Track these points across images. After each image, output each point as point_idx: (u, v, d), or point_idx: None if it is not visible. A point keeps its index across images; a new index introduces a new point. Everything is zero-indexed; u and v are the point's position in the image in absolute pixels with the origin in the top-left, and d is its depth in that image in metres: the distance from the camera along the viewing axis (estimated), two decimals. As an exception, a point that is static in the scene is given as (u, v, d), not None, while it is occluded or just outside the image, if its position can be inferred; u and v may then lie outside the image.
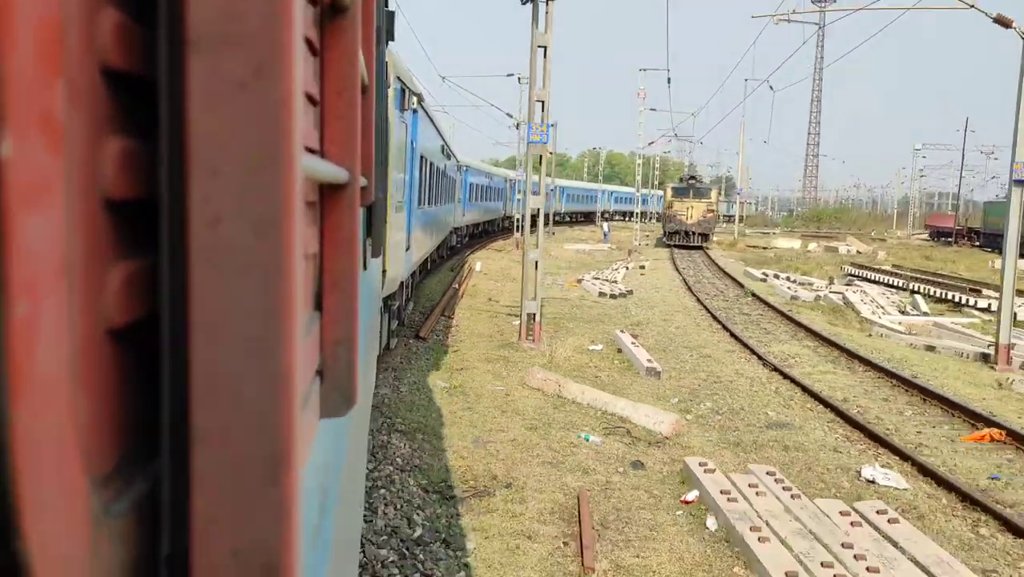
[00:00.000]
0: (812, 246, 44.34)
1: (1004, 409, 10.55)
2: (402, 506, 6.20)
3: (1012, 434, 9.13)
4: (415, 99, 11.88)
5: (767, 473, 7.07)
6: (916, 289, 24.52)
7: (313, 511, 1.10)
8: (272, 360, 0.60)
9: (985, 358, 14.06)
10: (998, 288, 25.43)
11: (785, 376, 11.87)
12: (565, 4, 19.07)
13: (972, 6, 13.40)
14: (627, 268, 28.87)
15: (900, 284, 26.28)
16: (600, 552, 5.63)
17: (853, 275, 29.79)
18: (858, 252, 42.17)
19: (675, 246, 40.16)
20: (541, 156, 13.29)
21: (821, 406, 10.25)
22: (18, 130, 0.44)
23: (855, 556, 5.44)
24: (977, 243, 50.95)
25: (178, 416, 0.60)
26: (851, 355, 13.61)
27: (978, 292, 22.90)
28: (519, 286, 13.77)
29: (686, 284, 24.30)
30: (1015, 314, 14.78)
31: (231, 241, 0.59)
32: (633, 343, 13.32)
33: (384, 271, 7.60)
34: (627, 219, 67.84)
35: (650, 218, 57.95)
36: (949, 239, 55.63)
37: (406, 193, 11.36)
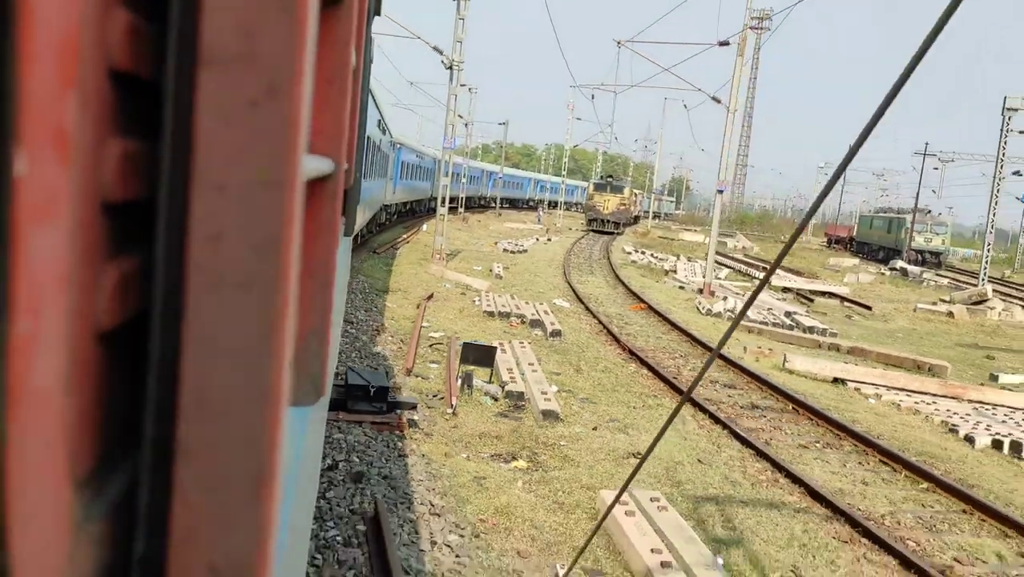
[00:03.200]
0: (707, 239, 55.95)
1: (674, 305, 21.78)
2: (366, 290, 17.29)
3: (649, 307, 20.39)
4: None
5: (511, 296, 18.26)
6: (738, 269, 36.02)
7: None
8: (263, 380, 0.62)
9: (701, 291, 25.40)
10: (789, 270, 37.01)
11: (571, 286, 23.07)
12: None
13: (701, 90, 24.65)
14: (538, 240, 40.02)
15: (729, 264, 37.80)
16: (431, 304, 16.75)
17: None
18: (742, 246, 53.81)
19: (593, 231, 51.46)
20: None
21: (572, 292, 21.50)
22: (32, 147, 0.45)
23: (519, 308, 16.60)
24: (851, 248, 62.86)
25: (163, 427, 0.61)
26: (621, 283, 24.90)
27: (767, 270, 34.54)
28: (450, 239, 24.85)
29: (569, 251, 35.55)
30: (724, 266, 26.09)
31: (231, 258, 0.61)
32: (500, 267, 24.42)
33: None
34: (570, 209, 79.19)
35: (573, 207, 69.52)
36: (837, 245, 67.64)
37: None
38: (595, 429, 9.50)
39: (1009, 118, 32.38)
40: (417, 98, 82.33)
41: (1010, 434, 11.58)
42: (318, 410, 2.25)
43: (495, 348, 10.57)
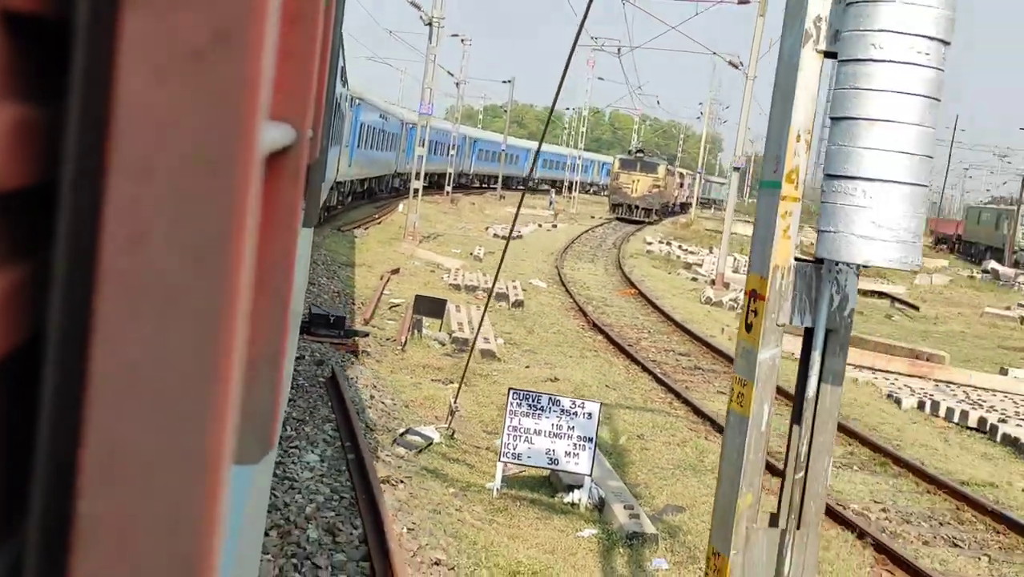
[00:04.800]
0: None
1: (673, 293, 27.26)
2: (328, 263, 22.96)
3: (639, 292, 25.90)
4: None
5: (482, 273, 23.86)
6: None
7: None
8: (198, 434, 0.61)
9: (713, 282, 30.89)
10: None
11: (558, 270, 28.59)
12: None
13: (716, 53, 30.21)
14: (540, 226, 45.60)
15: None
16: (396, 277, 22.36)
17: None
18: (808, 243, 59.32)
19: (619, 219, 56.51)
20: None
21: (557, 276, 27.06)
22: None
23: (488, 283, 22.23)
24: (958, 249, 67.51)
25: (58, 496, 0.61)
26: (621, 271, 30.47)
27: (810, 265, 40.10)
28: (431, 223, 30.52)
29: (575, 240, 41.16)
30: (732, 259, 31.77)
31: (159, 266, 0.61)
32: (483, 250, 30.00)
33: None
34: (598, 193, 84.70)
35: (590, 189, 75.27)
36: (942, 245, 72.21)
37: None
38: (527, 367, 15.00)
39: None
40: (397, 50, 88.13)
41: (941, 401, 16.92)
42: (264, 464, 2.08)
43: (445, 301, 16.09)
